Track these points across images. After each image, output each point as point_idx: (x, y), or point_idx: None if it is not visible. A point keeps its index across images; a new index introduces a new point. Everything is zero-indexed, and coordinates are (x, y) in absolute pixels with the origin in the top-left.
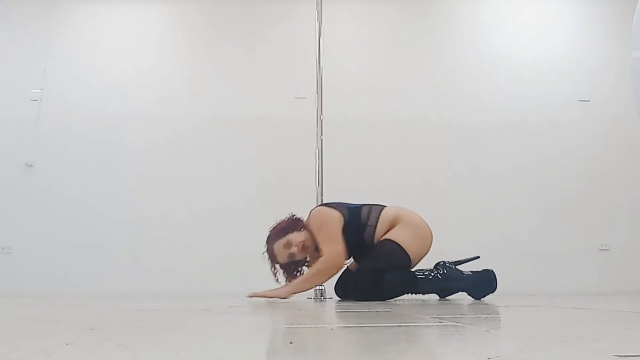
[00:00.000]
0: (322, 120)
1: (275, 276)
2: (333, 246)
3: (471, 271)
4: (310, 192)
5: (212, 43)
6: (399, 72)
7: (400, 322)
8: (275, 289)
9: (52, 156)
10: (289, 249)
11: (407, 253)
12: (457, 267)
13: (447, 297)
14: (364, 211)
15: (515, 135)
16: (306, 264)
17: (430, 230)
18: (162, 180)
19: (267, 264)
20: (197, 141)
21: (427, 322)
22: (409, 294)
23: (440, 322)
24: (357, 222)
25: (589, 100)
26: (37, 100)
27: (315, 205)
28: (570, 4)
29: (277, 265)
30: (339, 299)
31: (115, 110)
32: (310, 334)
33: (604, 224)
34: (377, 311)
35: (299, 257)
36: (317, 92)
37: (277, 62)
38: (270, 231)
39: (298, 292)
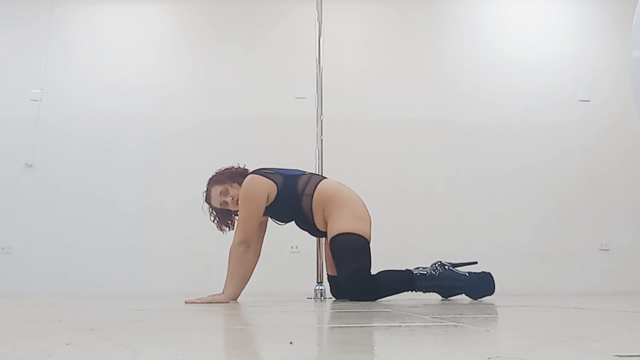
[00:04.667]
0: (322, 120)
1: (213, 221)
2: (240, 228)
3: (469, 272)
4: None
5: (212, 43)
6: (398, 73)
7: (400, 322)
8: (213, 295)
9: (52, 156)
10: (224, 197)
11: (359, 235)
12: (455, 269)
13: (449, 298)
14: (302, 180)
15: (515, 135)
16: (236, 214)
17: (361, 200)
18: (162, 180)
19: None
20: (197, 141)
21: (427, 322)
22: (408, 292)
23: (440, 322)
24: (293, 189)
25: (589, 100)
26: (37, 100)
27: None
28: (570, 4)
29: (212, 210)
30: (335, 299)
31: (115, 110)
32: (311, 334)
33: (604, 224)
34: (377, 311)
35: (231, 207)
36: (317, 92)
37: (277, 62)
38: (217, 172)
39: (235, 290)
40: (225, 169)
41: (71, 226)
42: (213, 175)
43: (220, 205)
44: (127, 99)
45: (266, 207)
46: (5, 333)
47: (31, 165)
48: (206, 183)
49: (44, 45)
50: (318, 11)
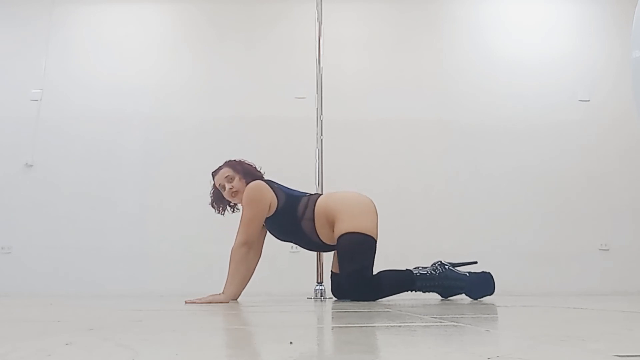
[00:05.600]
0: (322, 120)
1: (210, 195)
2: (242, 230)
3: (469, 272)
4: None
5: (212, 43)
6: (398, 73)
7: (400, 322)
8: (213, 295)
9: (52, 156)
10: (226, 182)
11: (366, 234)
12: (455, 268)
13: (449, 298)
14: (303, 202)
15: (515, 135)
16: (229, 206)
17: (365, 196)
18: (162, 180)
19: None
20: (197, 141)
21: (427, 322)
22: (408, 292)
23: (440, 322)
24: (293, 211)
25: (589, 100)
26: (37, 100)
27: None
28: (570, 4)
29: (214, 187)
30: (336, 299)
31: (115, 110)
32: (311, 334)
33: (604, 224)
34: (377, 311)
35: (225, 195)
36: (317, 92)
37: (277, 62)
38: (239, 159)
39: (235, 290)
40: (247, 163)
41: (71, 226)
42: (233, 160)
43: (218, 186)
44: (127, 99)
45: (266, 219)
46: (5, 333)
47: (31, 165)
48: (225, 160)
49: (44, 45)
50: (318, 11)
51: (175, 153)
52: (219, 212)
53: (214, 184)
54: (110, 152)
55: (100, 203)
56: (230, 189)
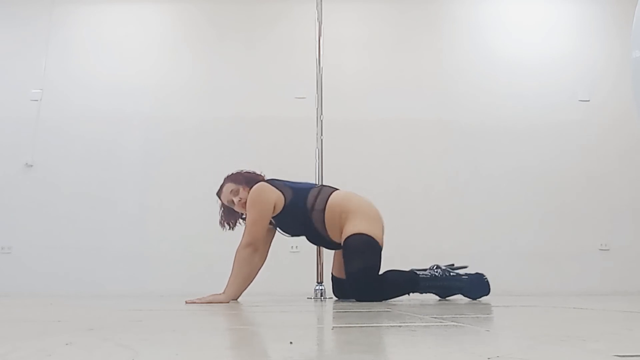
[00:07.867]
0: (322, 120)
1: (220, 213)
2: (247, 231)
3: (465, 273)
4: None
5: (211, 43)
6: (398, 73)
7: (400, 322)
8: (214, 295)
9: (52, 156)
10: (233, 197)
11: (371, 236)
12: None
13: (447, 298)
14: (312, 194)
15: (515, 135)
16: (242, 218)
17: (377, 209)
18: (162, 180)
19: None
20: (197, 141)
21: (427, 322)
22: (409, 293)
23: (441, 322)
24: (302, 204)
25: (589, 100)
26: (37, 100)
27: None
28: (570, 4)
29: (222, 205)
30: (337, 299)
31: (115, 110)
32: (311, 334)
33: (604, 224)
34: (377, 311)
35: (236, 208)
36: (317, 92)
37: (277, 62)
38: (237, 171)
39: (236, 290)
40: (246, 172)
41: (71, 226)
42: (232, 173)
43: (227, 203)
44: (127, 99)
45: (273, 218)
46: (5, 333)
47: (31, 165)
48: (225, 176)
49: (44, 45)
50: (318, 11)
51: (175, 153)
52: (230, 228)
53: (222, 204)
54: (110, 152)
55: (100, 203)
56: (239, 200)
